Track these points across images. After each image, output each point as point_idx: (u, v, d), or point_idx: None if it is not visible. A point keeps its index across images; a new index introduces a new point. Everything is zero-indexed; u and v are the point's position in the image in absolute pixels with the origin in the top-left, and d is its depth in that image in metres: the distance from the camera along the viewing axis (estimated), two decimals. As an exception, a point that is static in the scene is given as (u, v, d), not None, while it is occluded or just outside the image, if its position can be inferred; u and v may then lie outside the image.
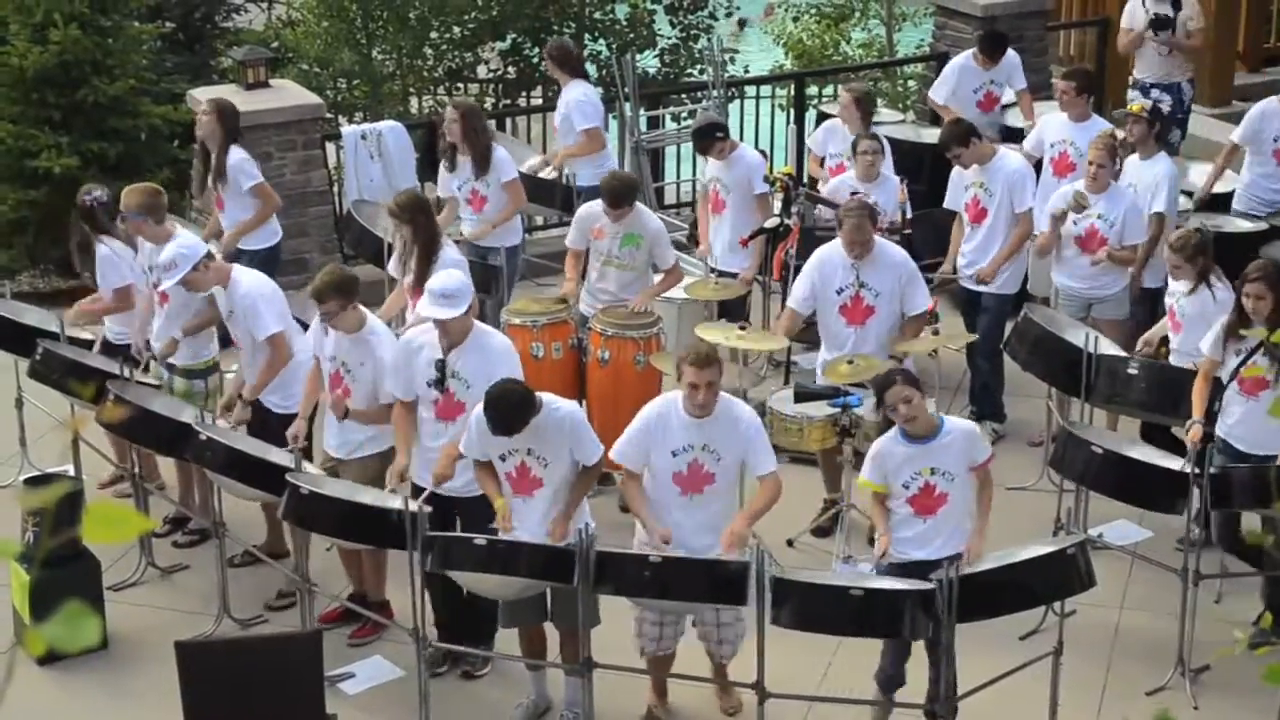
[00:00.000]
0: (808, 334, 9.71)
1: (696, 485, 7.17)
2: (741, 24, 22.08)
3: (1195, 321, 8.42)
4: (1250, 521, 8.08)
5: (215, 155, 9.96)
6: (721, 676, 7.50)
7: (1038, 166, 10.31)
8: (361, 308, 7.99)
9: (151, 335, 8.83)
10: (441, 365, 7.52)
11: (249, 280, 8.39)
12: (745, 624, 7.14)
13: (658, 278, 9.51)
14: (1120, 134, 9.99)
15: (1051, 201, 9.60)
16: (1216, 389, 7.98)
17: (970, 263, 9.89)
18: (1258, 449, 7.81)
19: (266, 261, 9.70)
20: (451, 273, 7.79)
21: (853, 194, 9.74)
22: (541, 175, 11.24)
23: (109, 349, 9.10)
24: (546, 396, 7.17)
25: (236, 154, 9.96)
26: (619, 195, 9.24)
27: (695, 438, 7.14)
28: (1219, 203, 10.88)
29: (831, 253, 8.98)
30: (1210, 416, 8.01)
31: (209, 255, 8.41)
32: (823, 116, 12.46)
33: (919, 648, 7.07)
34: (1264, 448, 7.80)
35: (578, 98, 11.12)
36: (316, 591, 7.88)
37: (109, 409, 8.13)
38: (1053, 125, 10.59)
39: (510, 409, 6.97)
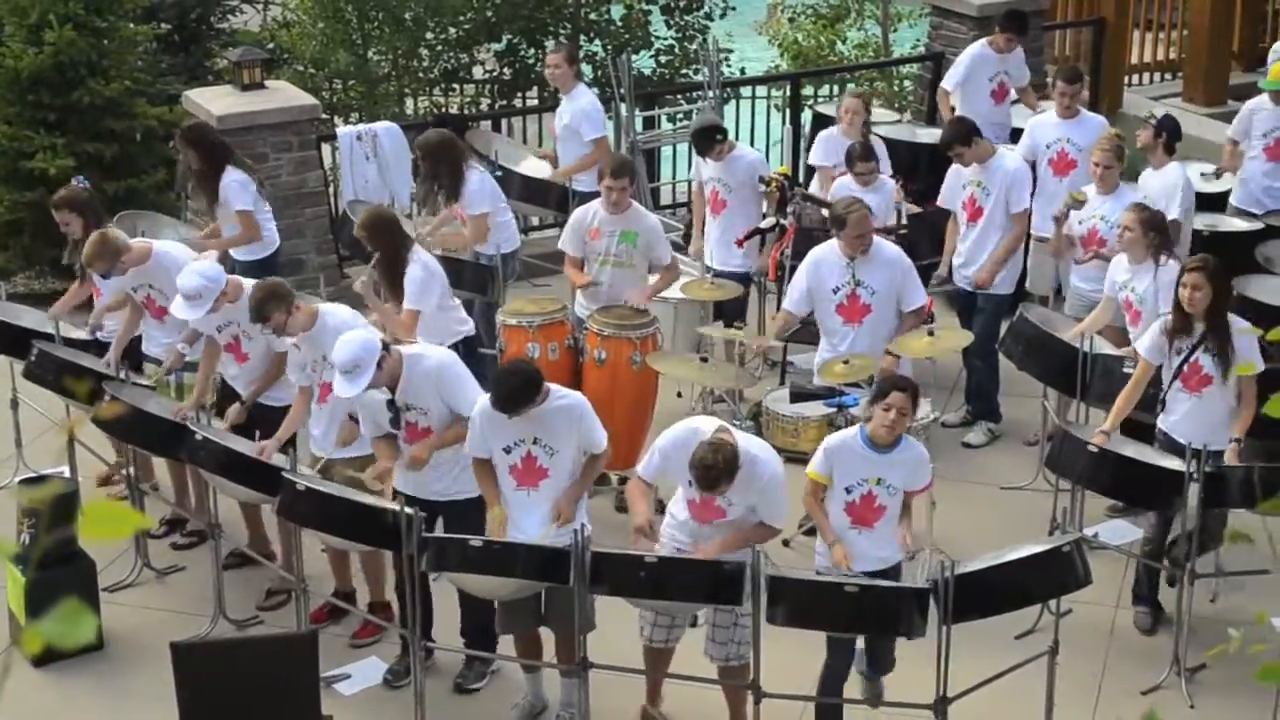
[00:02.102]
0: (804, 334, 9.72)
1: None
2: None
3: (1151, 303, 8.47)
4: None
5: (209, 179, 9.74)
6: (727, 679, 7.26)
7: (1032, 168, 10.30)
8: (305, 304, 7.96)
9: (144, 346, 8.85)
10: (392, 404, 7.48)
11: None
12: (744, 629, 6.99)
13: (654, 277, 9.50)
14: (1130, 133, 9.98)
15: (1055, 206, 9.62)
16: (1154, 385, 8.02)
17: (965, 262, 9.89)
18: (1199, 445, 7.67)
19: (263, 271, 9.63)
20: (345, 343, 7.30)
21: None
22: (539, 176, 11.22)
23: (103, 350, 9.08)
24: (553, 386, 7.19)
25: (231, 175, 9.72)
26: (621, 163, 9.33)
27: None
28: (1216, 202, 10.88)
29: (827, 252, 9.01)
30: (1150, 406, 8.04)
31: None
32: (818, 117, 12.45)
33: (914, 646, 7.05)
34: (1207, 444, 7.73)
35: (585, 107, 11.05)
36: (312, 592, 7.87)
37: (105, 409, 8.12)
38: (1045, 126, 10.56)
39: (515, 386, 6.99)
